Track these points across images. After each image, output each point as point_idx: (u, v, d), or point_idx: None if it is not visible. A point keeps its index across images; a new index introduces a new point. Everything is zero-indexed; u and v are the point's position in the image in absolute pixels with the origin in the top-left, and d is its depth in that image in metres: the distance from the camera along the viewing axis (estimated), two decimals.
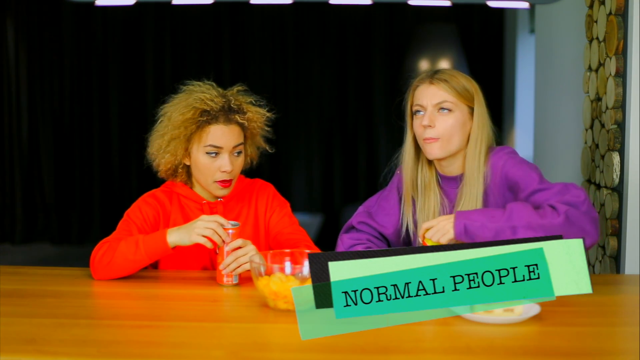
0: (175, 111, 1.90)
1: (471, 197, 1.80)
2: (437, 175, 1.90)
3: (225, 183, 1.90)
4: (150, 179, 2.11)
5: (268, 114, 1.98)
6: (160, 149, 1.92)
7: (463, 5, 5.40)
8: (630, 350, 1.32)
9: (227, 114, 1.88)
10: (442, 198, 1.88)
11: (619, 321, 1.55)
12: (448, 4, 3.64)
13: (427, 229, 1.71)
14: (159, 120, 1.96)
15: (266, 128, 1.99)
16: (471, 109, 1.83)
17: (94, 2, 3.80)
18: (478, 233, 1.66)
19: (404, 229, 1.93)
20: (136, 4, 4.33)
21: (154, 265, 1.98)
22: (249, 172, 2.13)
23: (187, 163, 1.94)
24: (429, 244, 1.70)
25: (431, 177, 1.89)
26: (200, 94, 1.90)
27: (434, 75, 1.83)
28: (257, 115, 1.95)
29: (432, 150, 1.81)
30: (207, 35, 5.72)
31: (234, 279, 1.76)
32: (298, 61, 5.76)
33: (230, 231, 1.74)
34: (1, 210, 5.82)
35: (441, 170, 1.89)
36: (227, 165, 1.88)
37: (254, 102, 1.96)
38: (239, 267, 1.73)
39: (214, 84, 1.96)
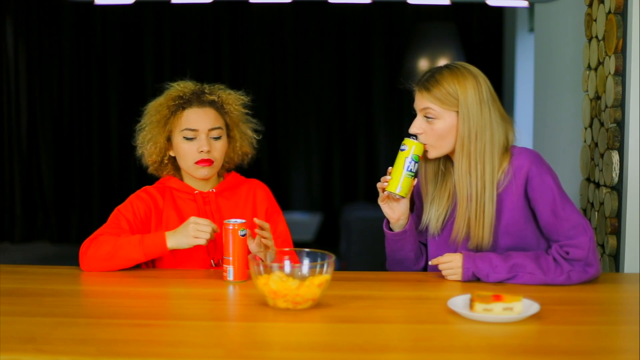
0: (152, 103, 2.03)
1: (474, 213, 1.79)
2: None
3: (204, 162, 1.95)
4: (149, 178, 2.13)
5: (243, 98, 2.05)
6: (144, 140, 2.02)
7: (462, 3, 5.40)
8: (629, 348, 1.32)
9: (199, 96, 1.98)
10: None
11: (618, 320, 1.55)
12: (447, 2, 3.63)
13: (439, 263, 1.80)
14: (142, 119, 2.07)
15: (245, 111, 2.05)
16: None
17: (93, 1, 3.80)
18: (483, 279, 1.77)
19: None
20: (135, 3, 4.32)
21: (149, 264, 1.98)
22: (248, 170, 2.13)
23: (172, 154, 2.02)
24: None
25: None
26: (175, 85, 2.02)
27: (423, 81, 1.82)
28: (231, 96, 2.03)
29: (426, 153, 1.83)
30: (206, 34, 5.71)
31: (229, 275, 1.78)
32: (297, 60, 5.75)
33: (241, 231, 1.79)
34: (1, 209, 5.82)
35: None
36: (204, 145, 1.94)
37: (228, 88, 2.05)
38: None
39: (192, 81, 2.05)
